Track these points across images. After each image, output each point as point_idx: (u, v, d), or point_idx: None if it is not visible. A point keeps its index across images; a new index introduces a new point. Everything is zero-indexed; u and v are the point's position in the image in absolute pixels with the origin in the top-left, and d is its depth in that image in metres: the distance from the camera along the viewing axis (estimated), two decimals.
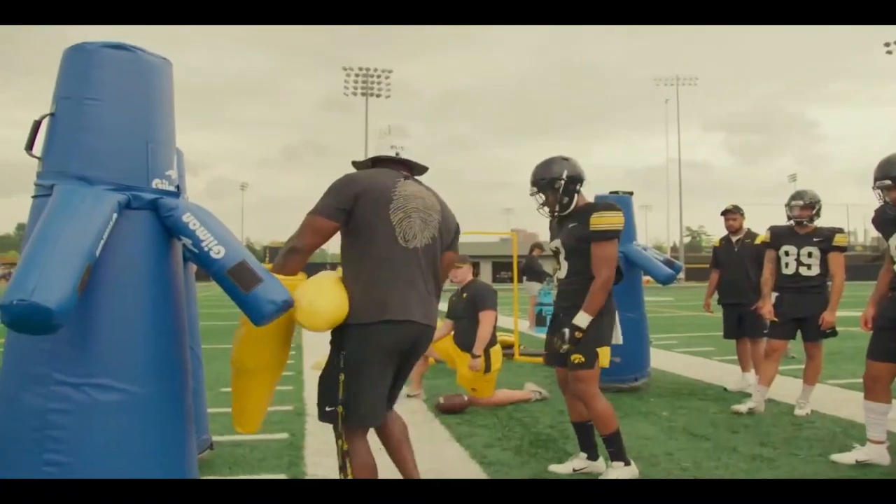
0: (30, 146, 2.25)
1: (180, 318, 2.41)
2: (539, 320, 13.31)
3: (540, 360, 8.86)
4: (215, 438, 4.58)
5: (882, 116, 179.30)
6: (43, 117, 2.26)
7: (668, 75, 66.91)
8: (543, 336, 11.89)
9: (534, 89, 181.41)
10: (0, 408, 2.20)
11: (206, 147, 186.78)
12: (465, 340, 6.06)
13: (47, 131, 2.27)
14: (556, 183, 3.95)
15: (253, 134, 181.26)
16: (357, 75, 60.00)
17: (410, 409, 5.95)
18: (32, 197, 2.28)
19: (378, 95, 60.52)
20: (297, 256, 2.83)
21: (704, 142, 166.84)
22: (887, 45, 52.70)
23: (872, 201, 4.43)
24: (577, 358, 3.81)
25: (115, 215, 2.12)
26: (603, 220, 3.83)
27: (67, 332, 2.04)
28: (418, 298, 2.95)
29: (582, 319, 3.79)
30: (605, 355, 3.87)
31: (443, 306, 6.44)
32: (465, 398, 5.89)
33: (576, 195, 3.99)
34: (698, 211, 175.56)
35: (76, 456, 2.09)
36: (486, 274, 59.61)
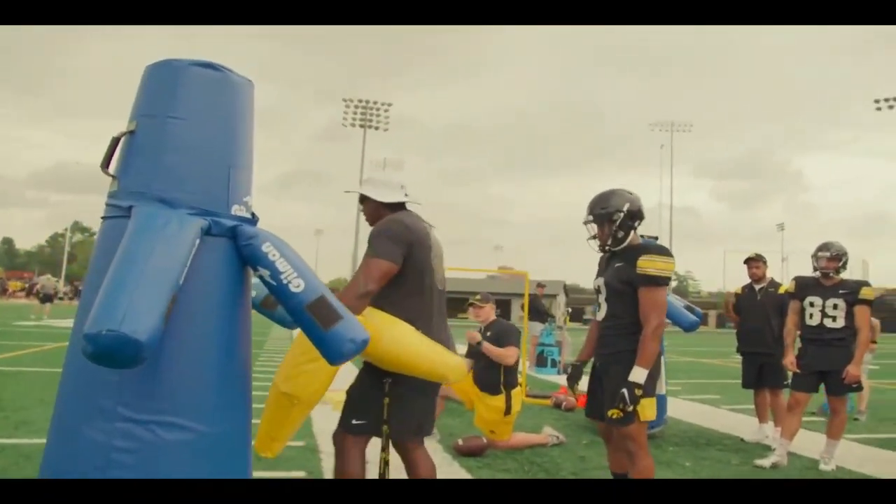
0: (107, 163, 2.13)
1: (248, 351, 2.28)
2: (540, 360, 13.17)
3: (547, 402, 8.71)
4: None
5: (871, 167, 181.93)
6: (122, 134, 2.15)
7: (664, 120, 67.53)
8: (546, 377, 11.63)
9: (533, 126, 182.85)
10: (60, 438, 2.05)
11: None
12: (485, 381, 5.91)
13: (125, 149, 2.15)
14: (614, 216, 3.75)
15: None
16: (357, 107, 60.28)
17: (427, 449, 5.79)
18: (103, 218, 2.15)
19: (376, 128, 60.76)
20: (367, 299, 2.88)
21: (694, 187, 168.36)
22: (877, 101, 53.64)
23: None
24: (614, 413, 3.54)
25: (197, 241, 2.00)
26: (652, 265, 3.64)
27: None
28: (448, 335, 3.23)
29: (638, 375, 3.54)
30: (649, 407, 3.60)
31: (461, 346, 6.34)
32: (484, 441, 5.73)
33: (631, 232, 3.79)
34: (686, 256, 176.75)
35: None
36: None
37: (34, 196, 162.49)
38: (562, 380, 9.16)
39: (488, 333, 5.96)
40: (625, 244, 3.79)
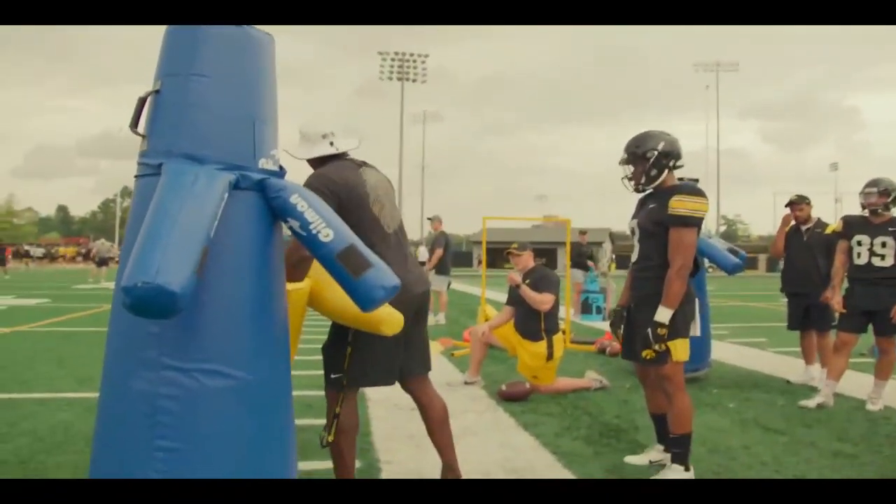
0: (135, 123, 2.18)
1: (283, 302, 2.35)
2: (585, 308, 13.17)
3: (591, 348, 8.75)
4: None
5: None
6: (148, 94, 2.19)
7: (709, 61, 65.50)
8: (590, 324, 11.68)
9: (572, 74, 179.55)
10: (109, 391, 2.15)
11: None
12: (526, 328, 5.97)
13: (151, 109, 2.20)
14: (648, 153, 3.71)
15: (289, 120, 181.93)
16: (393, 60, 59.95)
17: (471, 395, 5.90)
18: (136, 176, 2.21)
19: (414, 80, 60.45)
20: (306, 263, 2.89)
21: (741, 129, 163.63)
22: None
23: None
24: (647, 354, 3.57)
25: (226, 195, 2.05)
26: (684, 205, 3.58)
27: (176, 316, 1.98)
28: (409, 273, 3.15)
29: (663, 314, 3.55)
30: (682, 348, 3.61)
31: (504, 295, 6.37)
32: (527, 386, 5.80)
33: (665, 172, 3.74)
34: (735, 199, 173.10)
35: (186, 442, 2.02)
36: None
37: (84, 164, 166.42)
38: (606, 326, 9.17)
39: (527, 281, 6.00)
40: (657, 183, 3.75)
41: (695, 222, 3.63)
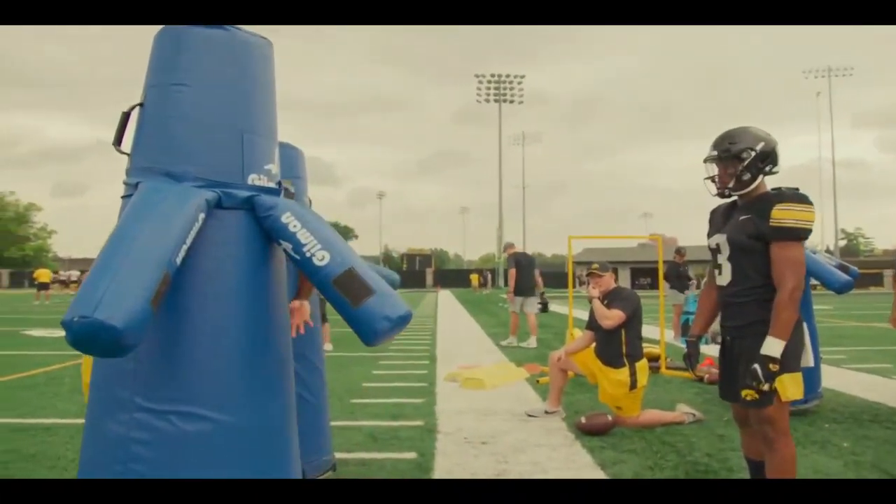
0: (118, 141, 2.00)
1: (281, 333, 2.09)
2: (685, 330, 12.41)
3: (689, 374, 8.11)
4: (341, 456, 4.31)
5: None
6: (132, 108, 2.01)
7: (820, 66, 62.16)
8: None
9: (669, 90, 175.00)
10: (88, 432, 1.96)
11: (346, 159, 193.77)
12: (606, 353, 5.52)
13: (136, 124, 2.01)
14: (743, 153, 3.18)
15: (390, 145, 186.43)
16: (490, 82, 60.30)
17: (547, 428, 5.49)
18: (122, 197, 2.03)
19: (511, 101, 60.55)
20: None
21: (856, 138, 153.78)
22: None
23: None
24: (748, 394, 3.02)
25: (201, 215, 1.82)
26: (790, 214, 3.03)
27: (150, 352, 1.77)
28: None
29: (774, 347, 3.00)
30: (791, 385, 3.04)
31: (584, 315, 5.98)
32: (609, 418, 5.34)
33: (760, 177, 3.20)
34: (854, 212, 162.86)
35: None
36: (624, 280, 57.76)
37: None
38: (709, 350, 8.53)
39: (605, 302, 5.57)
40: (748, 189, 3.22)
41: (803, 235, 3.07)
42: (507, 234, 61.62)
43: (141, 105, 2.00)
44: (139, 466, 1.79)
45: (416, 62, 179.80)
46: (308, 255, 1.92)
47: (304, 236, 1.93)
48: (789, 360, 3.04)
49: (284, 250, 1.99)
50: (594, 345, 5.72)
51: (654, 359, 8.24)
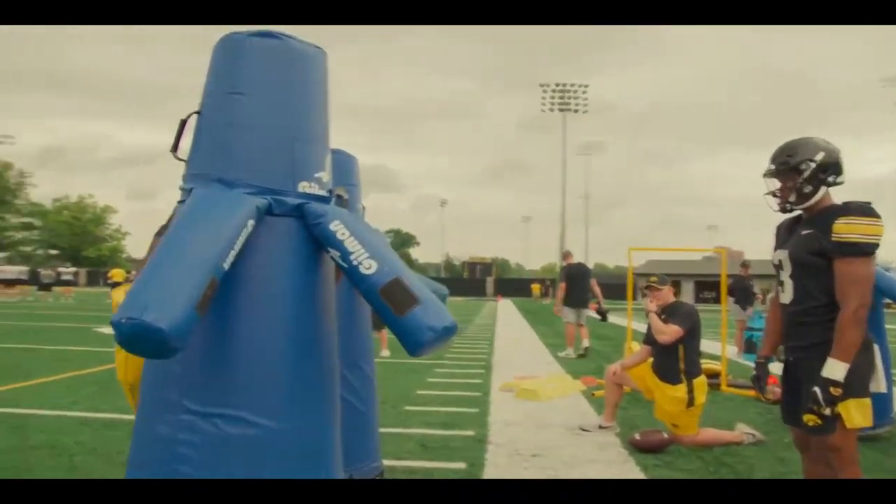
0: (175, 147, 2.06)
1: (328, 340, 2.11)
2: (749, 346, 12.06)
3: (751, 392, 7.85)
4: (390, 463, 4.32)
5: None
6: (189, 116, 2.06)
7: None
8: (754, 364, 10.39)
9: (737, 98, 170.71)
10: (138, 431, 2.02)
11: (410, 167, 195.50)
12: (663, 369, 5.39)
13: (193, 131, 2.06)
14: (802, 165, 3.02)
15: (455, 153, 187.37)
16: (554, 91, 60.10)
17: (601, 443, 5.38)
18: (178, 202, 2.08)
19: (575, 110, 60.20)
20: None
21: None
22: None
23: None
24: (809, 419, 2.85)
25: (251, 222, 1.85)
26: (854, 228, 2.85)
27: (197, 355, 1.80)
28: None
29: (836, 370, 2.82)
30: (857, 411, 2.86)
31: (642, 328, 5.86)
32: (665, 435, 5.21)
33: (822, 189, 3.03)
34: None
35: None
36: (687, 294, 56.51)
37: None
38: (775, 368, 8.22)
39: (662, 316, 5.44)
40: (811, 202, 3.07)
41: (869, 249, 2.90)
42: (569, 244, 61.13)
43: (198, 113, 2.05)
44: (184, 467, 1.83)
45: (482, 71, 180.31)
46: (355, 263, 1.94)
47: (351, 245, 1.95)
48: (855, 385, 2.87)
49: (332, 258, 2.00)
50: (651, 360, 5.60)
51: (714, 375, 8.02)
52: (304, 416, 1.96)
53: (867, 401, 2.91)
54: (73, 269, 37.76)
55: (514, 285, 66.49)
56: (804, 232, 3.04)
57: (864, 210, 2.93)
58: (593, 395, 7.51)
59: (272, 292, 1.93)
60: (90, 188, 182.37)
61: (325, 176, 2.12)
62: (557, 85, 60.21)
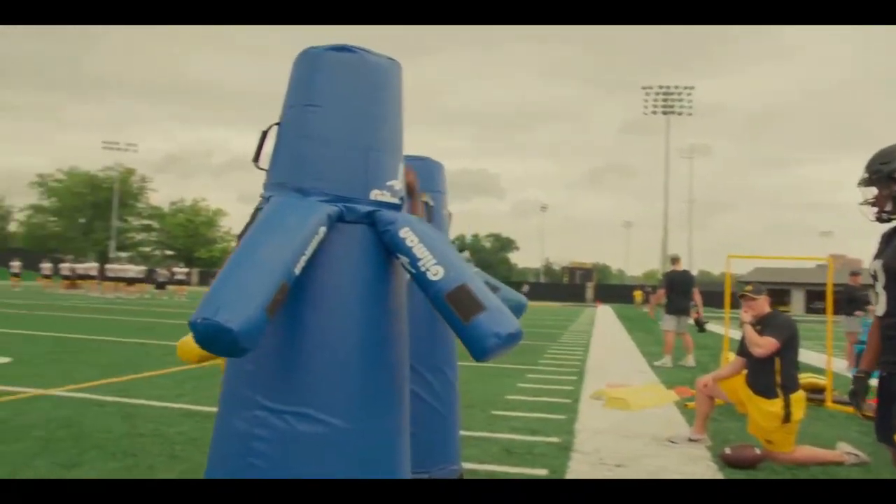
0: (256, 157, 2.18)
1: (397, 343, 2.17)
2: (858, 360, 11.40)
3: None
4: (472, 467, 4.36)
5: None
6: (270, 127, 2.18)
7: None
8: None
9: (853, 100, 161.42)
10: (218, 426, 2.15)
11: (511, 171, 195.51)
12: (758, 382, 5.18)
13: (274, 142, 2.18)
14: None
15: (556, 157, 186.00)
16: (657, 93, 58.82)
17: (690, 456, 5.23)
18: (256, 209, 2.20)
19: (679, 113, 58.71)
20: None
21: None
22: None
23: None
24: None
25: (322, 228, 1.94)
26: None
27: (268, 355, 1.91)
28: None
29: None
30: None
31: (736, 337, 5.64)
32: (758, 451, 5.01)
33: None
34: None
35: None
36: (798, 303, 53.88)
37: None
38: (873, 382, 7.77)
39: (757, 328, 5.24)
40: None
41: None
42: (672, 249, 59.43)
43: (278, 124, 2.17)
44: (259, 462, 1.94)
45: (584, 75, 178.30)
46: (423, 269, 2.00)
47: (419, 251, 2.01)
48: None
49: (402, 264, 2.07)
50: (745, 372, 5.41)
51: (818, 390, 7.64)
52: (372, 417, 2.03)
53: None
54: (186, 270, 39.76)
55: (614, 291, 65.30)
56: None
57: None
58: (686, 405, 7.31)
59: (342, 296, 2.02)
60: (204, 192, 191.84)
61: (397, 184, 2.19)
62: (661, 87, 58.88)
